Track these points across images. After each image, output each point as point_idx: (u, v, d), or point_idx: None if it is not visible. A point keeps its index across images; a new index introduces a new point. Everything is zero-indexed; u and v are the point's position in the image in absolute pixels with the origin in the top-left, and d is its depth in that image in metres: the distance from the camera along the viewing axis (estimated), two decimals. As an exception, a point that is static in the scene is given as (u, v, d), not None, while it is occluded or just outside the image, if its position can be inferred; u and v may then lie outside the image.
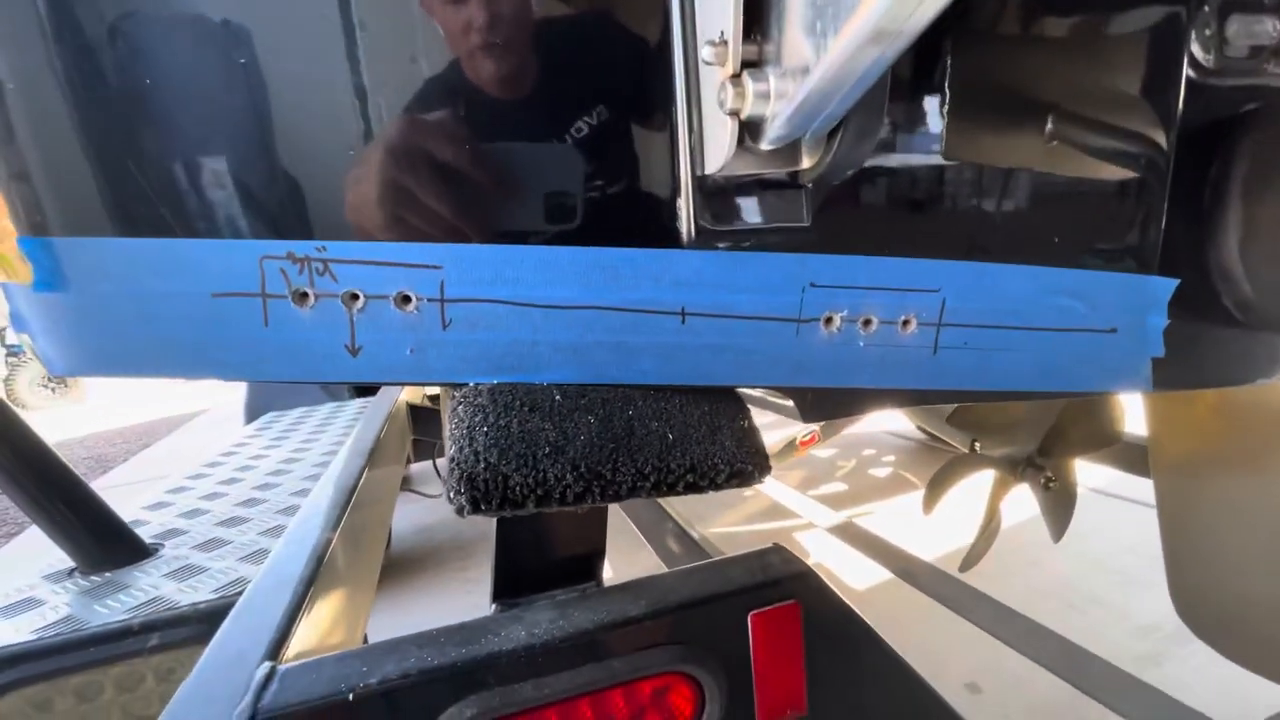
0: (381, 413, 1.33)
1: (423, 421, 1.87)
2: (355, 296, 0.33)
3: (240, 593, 0.57)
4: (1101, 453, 1.20)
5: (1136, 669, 1.32)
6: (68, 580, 0.69)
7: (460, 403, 0.34)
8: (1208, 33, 0.43)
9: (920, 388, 0.40)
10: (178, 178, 0.32)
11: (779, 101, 0.28)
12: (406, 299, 0.34)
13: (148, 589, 0.65)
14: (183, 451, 3.78)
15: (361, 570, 0.76)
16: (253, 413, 1.65)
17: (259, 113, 0.32)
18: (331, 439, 1.24)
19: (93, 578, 0.69)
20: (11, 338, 6.18)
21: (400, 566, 2.01)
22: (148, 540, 0.76)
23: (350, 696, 0.39)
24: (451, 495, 0.31)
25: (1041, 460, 1.11)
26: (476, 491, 0.31)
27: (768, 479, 0.39)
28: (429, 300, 0.34)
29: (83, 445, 4.32)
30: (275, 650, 0.47)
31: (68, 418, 5.34)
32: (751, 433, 0.37)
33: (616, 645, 0.43)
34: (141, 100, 0.31)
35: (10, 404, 0.70)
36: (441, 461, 2.07)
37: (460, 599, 1.86)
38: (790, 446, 1.98)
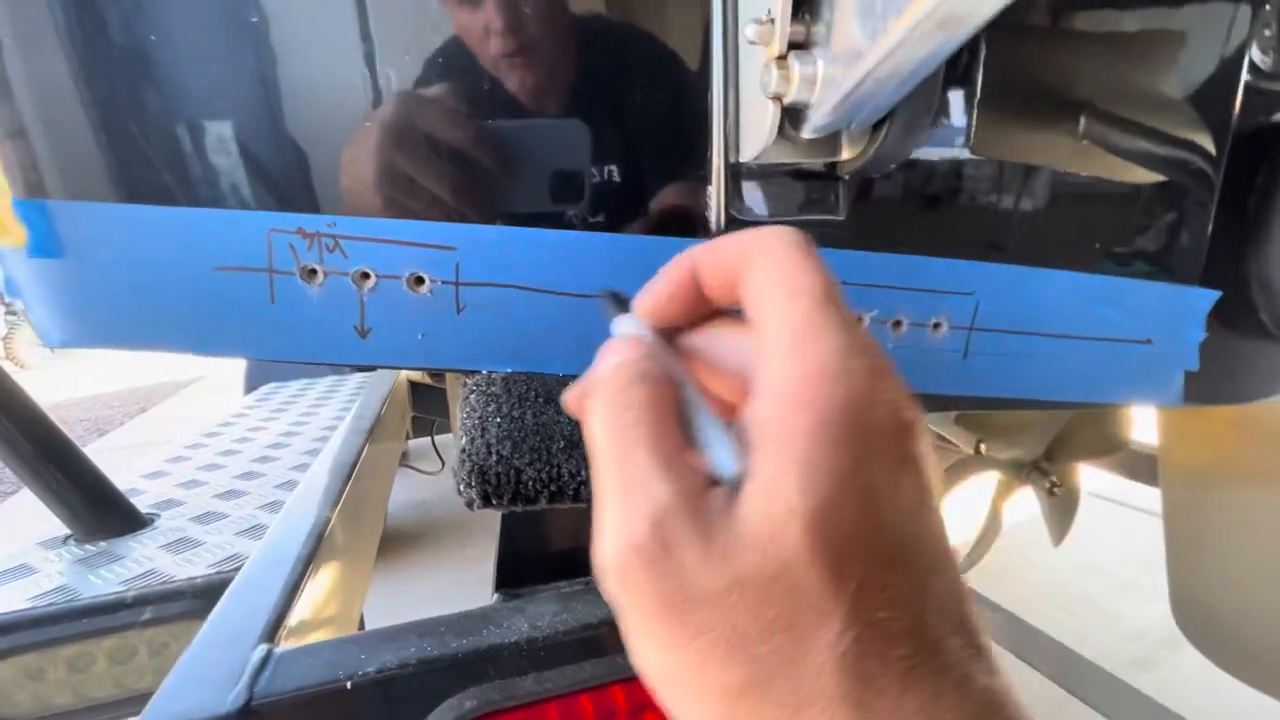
0: (382, 389, 1.32)
1: (423, 398, 1.86)
2: (366, 275, 0.32)
3: (237, 569, 0.56)
4: (1104, 459, 1.19)
5: (1127, 673, 1.33)
6: (62, 548, 0.68)
7: (473, 391, 0.33)
8: (1267, 33, 0.41)
9: (948, 393, 0.38)
10: (182, 142, 0.31)
11: (826, 87, 0.26)
12: (420, 280, 0.32)
13: (143, 560, 0.64)
14: (181, 416, 3.77)
15: (359, 549, 0.75)
16: (252, 382, 1.64)
17: (271, 75, 0.30)
18: (332, 413, 1.23)
19: (87, 546, 0.68)
20: (11, 296, 6.12)
21: (396, 542, 2.02)
22: (144, 510, 0.75)
23: (348, 685, 0.38)
24: (462, 488, 0.30)
25: (1047, 465, 1.10)
26: (488, 485, 0.29)
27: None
28: (443, 283, 0.32)
29: (80, 407, 4.32)
30: (272, 632, 0.46)
31: (66, 379, 5.33)
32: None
33: (620, 641, 0.43)
34: (145, 57, 0.29)
35: (7, 366, 0.69)
36: (440, 439, 2.07)
37: (457, 574, 1.86)
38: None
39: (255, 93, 0.30)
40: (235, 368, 1.85)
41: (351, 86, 0.31)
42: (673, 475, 0.18)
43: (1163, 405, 0.43)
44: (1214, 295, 0.40)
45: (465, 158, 0.31)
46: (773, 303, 0.19)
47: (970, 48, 0.34)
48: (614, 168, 0.33)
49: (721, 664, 0.16)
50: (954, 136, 0.35)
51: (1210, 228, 0.40)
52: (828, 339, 0.18)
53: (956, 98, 0.35)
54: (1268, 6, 0.40)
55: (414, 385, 1.77)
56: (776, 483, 0.16)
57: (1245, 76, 0.41)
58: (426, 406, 1.90)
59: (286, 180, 0.31)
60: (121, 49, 0.29)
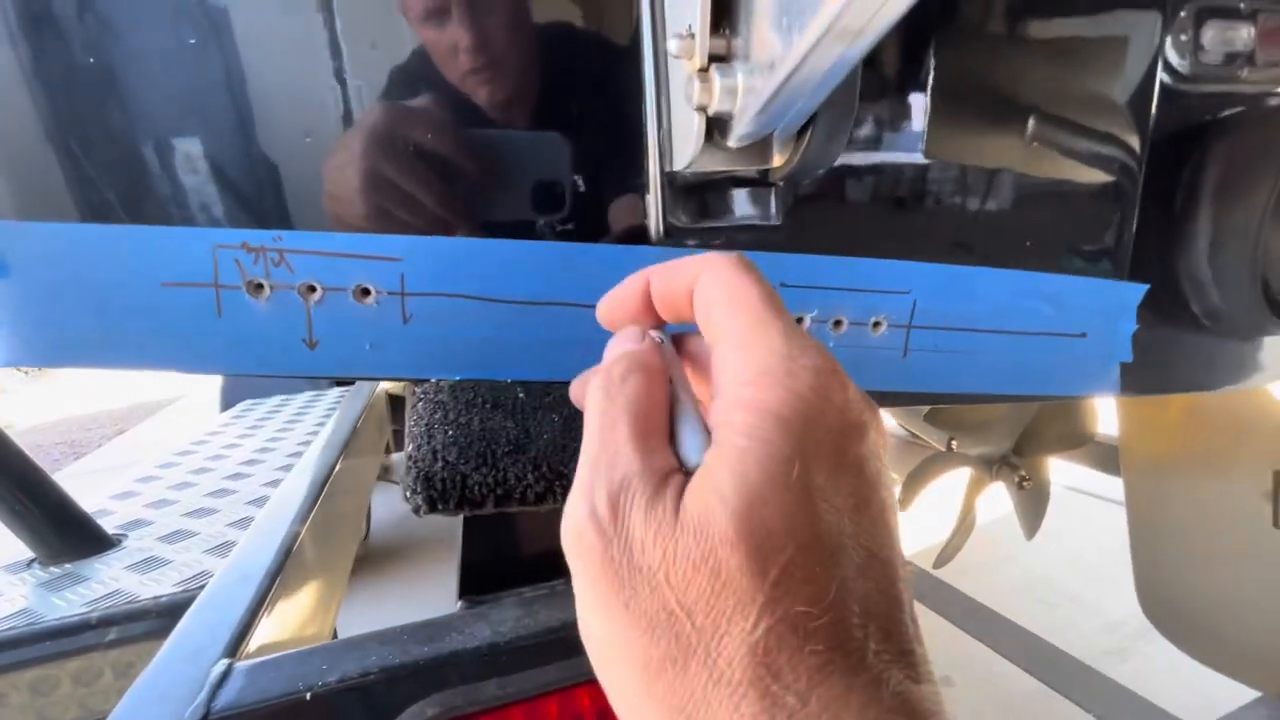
0: (359, 402, 1.31)
1: (403, 411, 1.84)
2: (312, 288, 0.32)
3: (203, 586, 0.56)
4: (1074, 451, 1.21)
5: (1103, 663, 1.35)
6: (26, 571, 0.67)
7: (420, 399, 0.33)
8: (1184, 39, 0.43)
9: (890, 389, 0.39)
10: (126, 160, 0.31)
11: (747, 97, 0.27)
12: (366, 292, 0.33)
13: (108, 581, 0.63)
14: (158, 438, 3.71)
15: (332, 563, 0.75)
16: (228, 400, 1.62)
17: (214, 92, 0.31)
18: (307, 428, 1.22)
19: (52, 569, 0.67)
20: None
21: (380, 556, 2.00)
22: (111, 531, 0.74)
23: (308, 695, 0.39)
24: (408, 495, 0.30)
25: (1016, 459, 1.12)
26: (434, 491, 0.30)
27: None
28: (389, 294, 0.33)
29: (55, 430, 4.24)
30: (235, 646, 0.46)
31: (41, 401, 5.23)
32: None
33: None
34: (87, 76, 0.30)
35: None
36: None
37: (442, 587, 1.85)
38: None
39: (199, 109, 0.31)
40: (214, 387, 1.83)
41: (298, 104, 0.31)
42: (643, 452, 0.19)
43: (1101, 395, 0.45)
44: (1142, 289, 0.42)
45: (418, 172, 0.32)
46: (719, 315, 0.21)
47: (919, 59, 0.36)
48: (558, 179, 0.34)
49: (648, 636, 0.17)
50: (902, 145, 0.37)
51: (1135, 224, 0.42)
52: (769, 343, 0.19)
53: (908, 108, 0.36)
54: (1182, 13, 0.42)
55: (394, 399, 1.77)
56: (714, 472, 0.17)
57: (1165, 79, 0.43)
58: (407, 419, 1.88)
59: (230, 195, 0.32)
60: (62, 68, 0.30)
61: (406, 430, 0.33)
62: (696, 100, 0.28)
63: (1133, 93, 0.39)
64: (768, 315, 0.20)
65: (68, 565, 0.68)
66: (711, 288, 0.22)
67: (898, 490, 1.32)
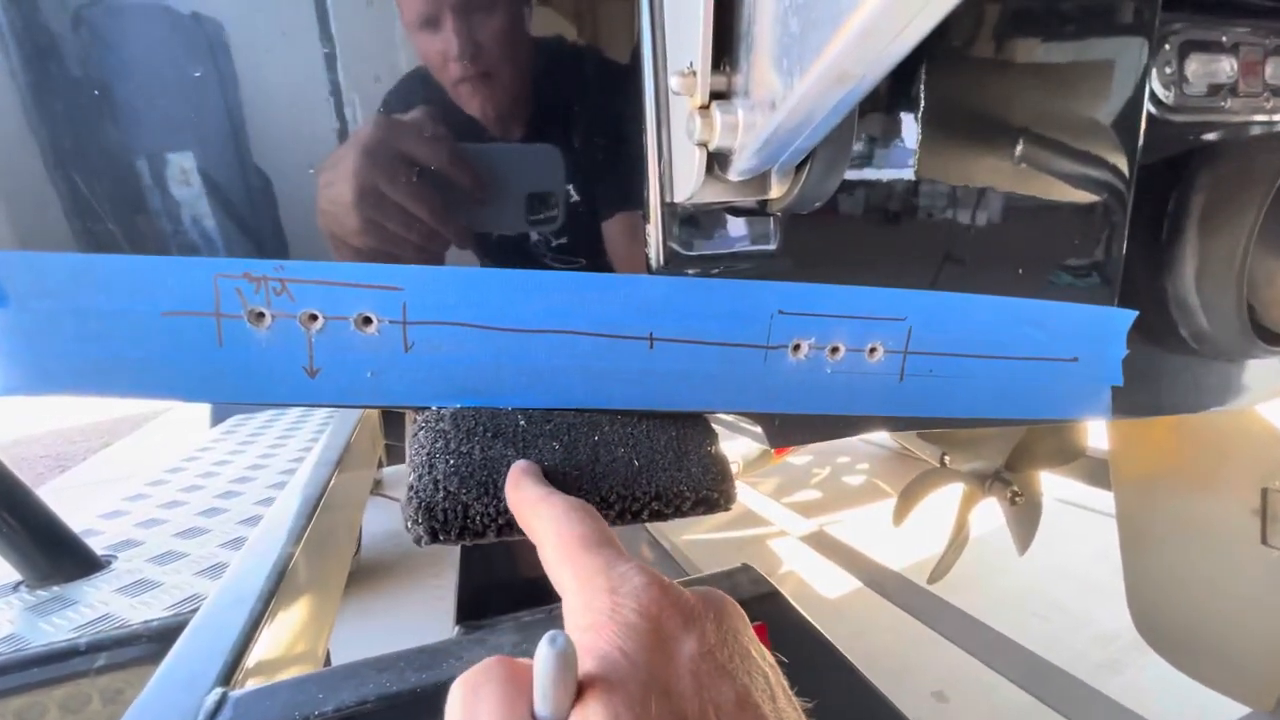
0: (352, 418, 1.31)
1: (395, 426, 1.84)
2: (314, 317, 0.32)
3: (195, 610, 0.55)
4: (1066, 466, 1.22)
5: (1096, 676, 1.35)
6: (12, 595, 0.66)
7: (421, 427, 0.33)
8: (1168, 70, 0.44)
9: (887, 414, 0.40)
10: (127, 191, 0.31)
11: (747, 133, 0.28)
12: (367, 320, 0.33)
13: (97, 605, 0.62)
14: (144, 451, 3.66)
15: (324, 584, 0.74)
16: (219, 415, 1.61)
17: (215, 124, 0.31)
18: (300, 444, 1.21)
19: (39, 592, 0.66)
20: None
21: (370, 572, 1.98)
22: (100, 552, 0.73)
23: (304, 725, 0.38)
24: (409, 525, 0.30)
25: (1008, 475, 1.13)
26: (435, 521, 0.30)
27: (740, 486, 0.38)
28: (390, 322, 0.33)
29: (40, 443, 4.17)
30: (229, 673, 0.45)
31: (25, 414, 5.15)
32: (718, 459, 0.37)
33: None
34: (89, 108, 0.30)
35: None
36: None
37: (432, 605, 1.83)
38: (765, 454, 1.99)
39: (200, 141, 0.31)
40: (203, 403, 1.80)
41: (301, 138, 0.31)
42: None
43: (1093, 418, 0.46)
44: (1132, 315, 0.43)
45: (412, 190, 0.32)
46: (551, 564, 0.25)
47: (914, 84, 0.36)
48: (559, 207, 0.34)
49: None
50: (898, 176, 0.37)
51: (1124, 249, 0.42)
52: (594, 585, 0.23)
53: (902, 141, 0.37)
54: (1166, 46, 0.43)
55: (386, 413, 1.76)
56: None
57: (1151, 109, 0.44)
58: (400, 434, 1.88)
59: (232, 225, 0.32)
60: (64, 100, 0.30)
61: (407, 459, 0.33)
62: (698, 136, 0.28)
63: (1120, 123, 0.40)
64: (587, 557, 0.24)
65: (56, 588, 0.66)
66: (543, 541, 0.26)
67: (893, 503, 1.33)
